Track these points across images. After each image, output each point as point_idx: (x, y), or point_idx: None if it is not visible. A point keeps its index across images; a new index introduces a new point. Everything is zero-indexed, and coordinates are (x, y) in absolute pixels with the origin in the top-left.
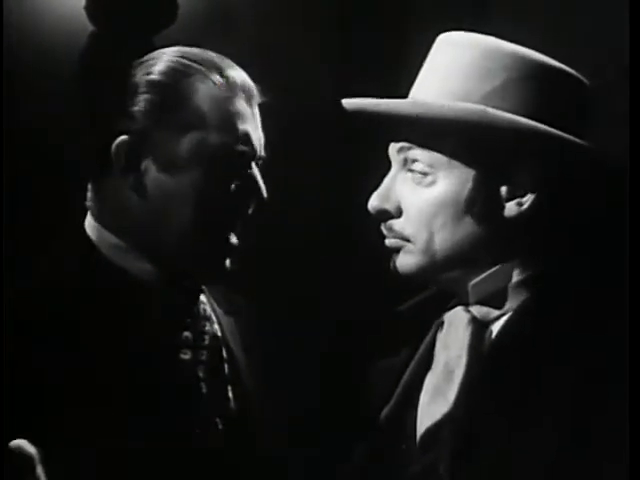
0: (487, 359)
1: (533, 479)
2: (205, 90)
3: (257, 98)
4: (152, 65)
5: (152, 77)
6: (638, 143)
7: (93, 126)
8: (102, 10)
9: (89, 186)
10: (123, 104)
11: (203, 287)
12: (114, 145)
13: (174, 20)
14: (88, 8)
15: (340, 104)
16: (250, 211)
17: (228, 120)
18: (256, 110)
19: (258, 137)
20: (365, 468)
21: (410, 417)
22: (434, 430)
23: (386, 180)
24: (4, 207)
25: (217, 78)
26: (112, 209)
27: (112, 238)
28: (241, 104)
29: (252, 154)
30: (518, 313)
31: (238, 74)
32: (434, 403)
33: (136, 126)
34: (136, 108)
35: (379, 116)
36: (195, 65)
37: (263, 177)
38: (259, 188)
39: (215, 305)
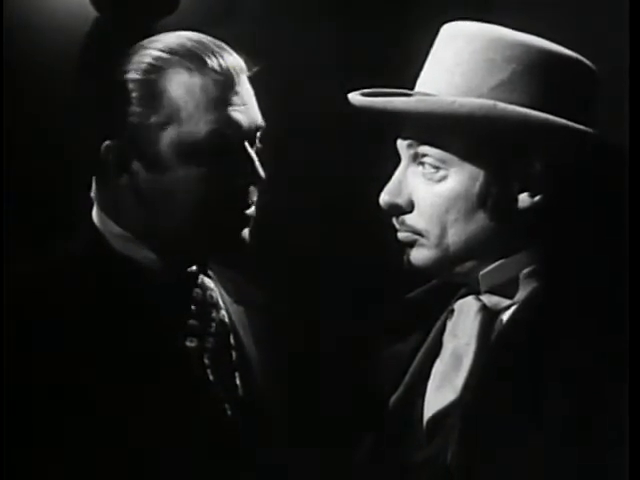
0: (496, 348)
1: (539, 467)
2: (179, 82)
3: (244, 72)
4: (128, 62)
5: (128, 76)
6: (638, 138)
7: (86, 127)
8: None
9: (93, 179)
10: (109, 105)
11: (211, 274)
12: (101, 150)
13: (177, 5)
14: None
15: (346, 98)
16: (252, 194)
17: (206, 109)
18: (245, 88)
19: (249, 117)
20: (373, 455)
21: (418, 404)
22: (440, 417)
23: (396, 174)
24: (4, 202)
25: (193, 67)
26: (113, 203)
27: (115, 228)
28: (222, 88)
29: (239, 135)
30: (526, 303)
31: (219, 58)
32: (441, 390)
33: (120, 128)
34: (119, 109)
35: (388, 113)
36: (169, 57)
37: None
38: (255, 168)
39: (224, 292)
